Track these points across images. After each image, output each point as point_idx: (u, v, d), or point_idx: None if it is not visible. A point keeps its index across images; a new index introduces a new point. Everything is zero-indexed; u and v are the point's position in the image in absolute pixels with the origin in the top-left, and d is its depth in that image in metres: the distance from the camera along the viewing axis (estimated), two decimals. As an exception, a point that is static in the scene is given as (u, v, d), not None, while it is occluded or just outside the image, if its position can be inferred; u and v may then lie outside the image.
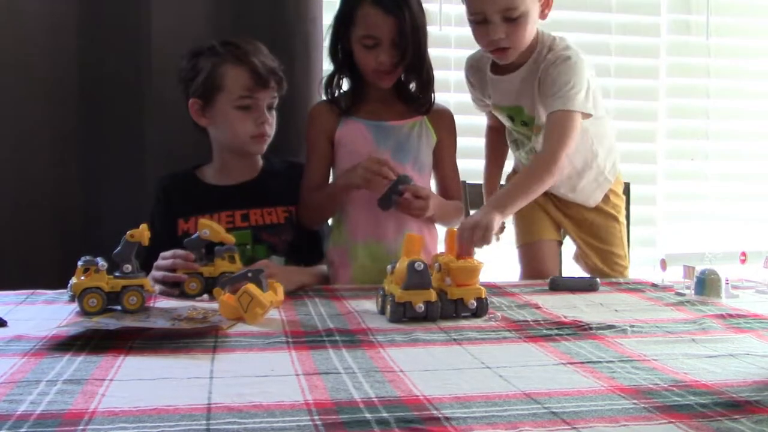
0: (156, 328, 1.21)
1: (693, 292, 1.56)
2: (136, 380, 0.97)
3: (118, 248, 1.39)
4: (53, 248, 1.99)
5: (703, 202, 2.68)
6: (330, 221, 1.89)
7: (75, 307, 1.38)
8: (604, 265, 1.94)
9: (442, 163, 1.86)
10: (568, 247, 2.02)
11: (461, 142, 1.95)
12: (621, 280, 1.83)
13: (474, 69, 1.89)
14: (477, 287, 1.37)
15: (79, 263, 1.37)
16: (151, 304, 1.44)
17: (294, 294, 1.56)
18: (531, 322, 1.31)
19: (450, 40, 2.41)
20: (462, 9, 1.72)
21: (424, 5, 1.78)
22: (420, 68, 1.78)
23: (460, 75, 1.98)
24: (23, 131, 1.99)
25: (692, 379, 0.99)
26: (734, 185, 2.69)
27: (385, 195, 1.67)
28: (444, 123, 1.87)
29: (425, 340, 1.19)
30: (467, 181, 2.09)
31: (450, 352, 1.13)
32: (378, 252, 1.77)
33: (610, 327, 1.27)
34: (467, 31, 1.73)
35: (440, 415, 0.84)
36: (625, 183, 2.05)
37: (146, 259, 1.57)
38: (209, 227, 1.56)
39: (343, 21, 1.75)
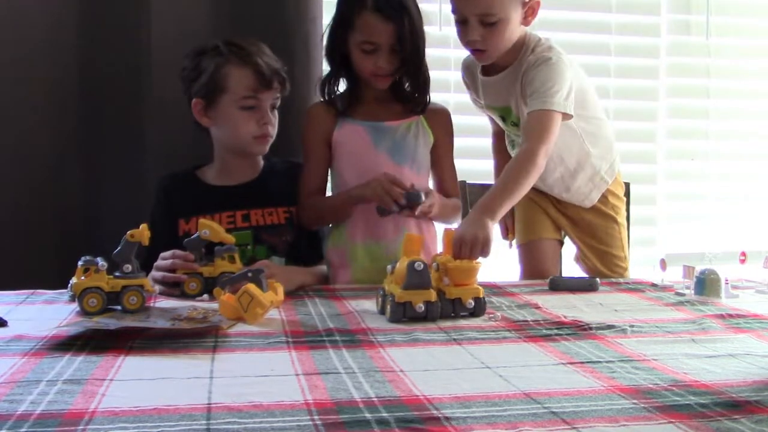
0: (156, 328, 1.21)
1: (693, 292, 1.56)
2: (136, 380, 0.97)
3: (118, 248, 1.39)
4: (53, 248, 1.99)
5: (703, 202, 2.68)
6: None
7: (75, 307, 1.38)
8: (603, 267, 1.94)
9: (440, 162, 1.87)
10: (569, 247, 2.02)
11: (461, 142, 1.95)
12: (621, 280, 1.83)
13: (468, 70, 1.90)
14: (475, 287, 1.38)
15: (79, 263, 1.38)
16: (151, 304, 1.44)
17: (294, 294, 1.56)
18: (531, 322, 1.31)
19: (450, 40, 2.39)
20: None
21: (424, 6, 1.79)
22: (417, 71, 1.79)
23: (460, 75, 1.98)
24: (23, 131, 1.99)
25: (692, 379, 0.99)
26: (734, 185, 2.68)
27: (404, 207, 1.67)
28: (441, 122, 1.87)
29: (425, 340, 1.19)
30: (467, 181, 2.09)
31: (450, 352, 1.13)
32: (377, 252, 1.77)
33: (610, 327, 1.27)
34: (468, 31, 1.74)
35: (440, 415, 0.84)
36: (625, 183, 2.05)
37: (146, 259, 1.57)
38: (209, 227, 1.56)
39: (342, 25, 1.75)
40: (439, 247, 1.82)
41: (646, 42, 2.61)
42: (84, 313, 1.34)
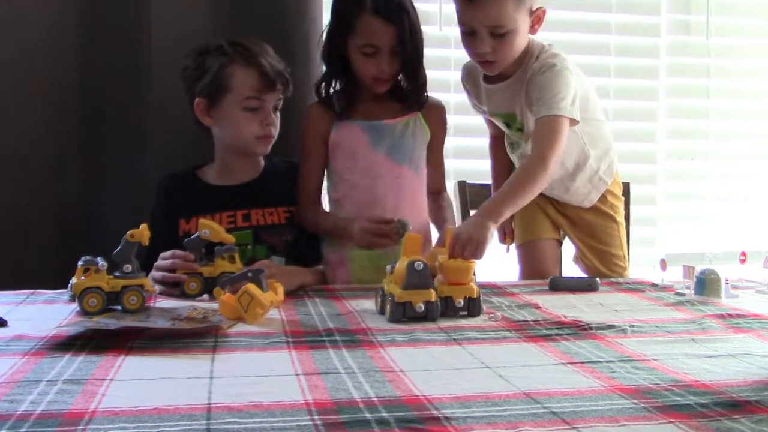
0: (156, 328, 1.21)
1: (693, 292, 1.56)
2: (136, 380, 0.97)
3: (118, 248, 1.39)
4: (53, 248, 1.99)
5: (703, 202, 2.68)
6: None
7: (75, 307, 1.38)
8: (602, 266, 1.94)
9: (431, 156, 1.88)
10: (568, 247, 2.02)
11: (461, 141, 1.95)
12: (621, 280, 1.83)
13: (469, 77, 1.90)
14: (468, 286, 1.38)
15: (79, 263, 1.37)
16: (151, 304, 1.44)
17: (294, 294, 1.56)
18: (531, 322, 1.31)
19: (450, 40, 2.40)
20: (462, 9, 1.72)
21: (425, 6, 1.79)
22: (416, 71, 1.79)
23: (460, 75, 1.98)
24: (23, 131, 1.99)
25: (692, 379, 0.99)
26: (734, 185, 2.68)
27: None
28: (437, 117, 1.87)
29: (425, 340, 1.19)
30: (467, 181, 2.09)
31: (450, 352, 1.13)
32: (375, 251, 1.77)
33: (610, 327, 1.27)
34: (467, 31, 1.74)
35: (440, 415, 0.84)
36: (625, 183, 2.05)
37: (146, 259, 1.57)
38: (209, 227, 1.56)
39: (340, 29, 1.74)
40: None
41: (646, 42, 2.60)
42: (84, 313, 1.34)
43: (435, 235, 1.88)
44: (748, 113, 2.69)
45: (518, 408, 0.87)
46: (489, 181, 2.07)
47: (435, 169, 1.90)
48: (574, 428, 0.81)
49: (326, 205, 1.89)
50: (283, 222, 1.82)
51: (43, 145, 2.00)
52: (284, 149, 1.89)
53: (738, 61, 2.68)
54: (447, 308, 1.36)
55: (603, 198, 1.95)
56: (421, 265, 1.32)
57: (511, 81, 1.78)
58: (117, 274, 1.38)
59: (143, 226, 1.41)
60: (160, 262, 1.58)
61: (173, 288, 1.55)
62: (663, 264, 1.68)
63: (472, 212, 1.90)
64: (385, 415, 0.84)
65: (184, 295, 1.53)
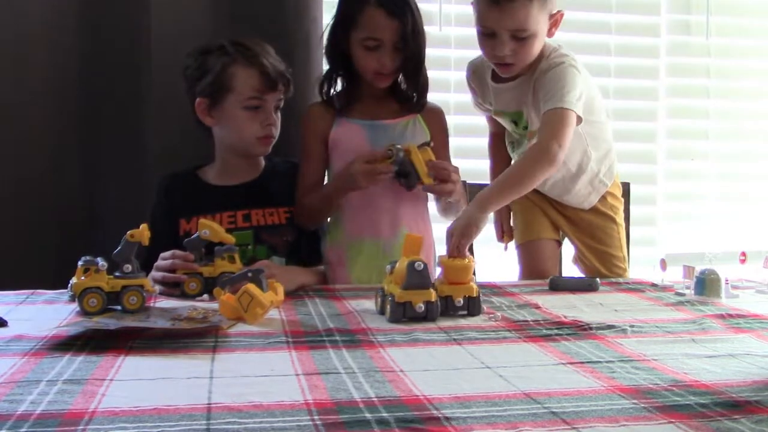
0: (156, 328, 1.21)
1: (693, 292, 1.56)
2: (136, 380, 0.97)
3: (118, 248, 1.39)
4: (53, 248, 1.99)
5: (703, 202, 2.68)
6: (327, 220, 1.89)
7: (75, 307, 1.38)
8: (602, 267, 1.94)
9: (436, 158, 1.87)
10: (568, 247, 2.02)
11: (461, 141, 1.95)
12: (621, 280, 1.83)
13: (475, 75, 1.90)
14: (467, 286, 1.38)
15: (79, 263, 1.37)
16: (151, 304, 1.44)
17: (294, 294, 1.56)
18: (531, 322, 1.31)
19: (450, 40, 2.41)
20: (462, 9, 1.73)
21: (425, 6, 1.79)
22: (418, 71, 1.79)
23: (460, 75, 1.98)
24: (23, 131, 1.99)
25: (692, 379, 0.99)
26: (734, 185, 2.69)
27: (402, 177, 1.69)
28: (436, 120, 1.87)
29: (425, 340, 1.19)
30: (467, 181, 2.09)
31: (450, 352, 1.13)
32: (375, 250, 1.78)
33: (610, 327, 1.27)
34: (467, 31, 1.73)
35: (440, 415, 0.84)
36: (625, 183, 2.05)
37: (146, 259, 1.57)
38: (209, 227, 1.56)
39: (344, 23, 1.75)
40: (439, 246, 1.84)
41: (646, 42, 2.61)
42: (84, 313, 1.34)
43: (436, 236, 1.88)
44: (748, 113, 2.69)
45: (518, 408, 0.87)
46: (489, 180, 2.07)
47: None
48: (574, 428, 0.81)
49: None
50: (284, 222, 1.82)
51: (43, 144, 2.00)
52: (285, 149, 1.89)
53: (738, 61, 2.69)
54: (447, 307, 1.36)
55: (603, 199, 1.95)
56: (421, 265, 1.32)
57: (520, 81, 1.78)
58: (117, 274, 1.38)
59: (143, 226, 1.41)
60: (160, 263, 1.58)
61: (173, 288, 1.55)
62: (663, 264, 1.68)
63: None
64: (385, 415, 0.84)
65: (184, 295, 1.53)
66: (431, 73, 1.86)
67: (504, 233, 2.05)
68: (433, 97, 1.90)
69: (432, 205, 1.88)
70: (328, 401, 0.89)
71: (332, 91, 1.84)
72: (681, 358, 1.09)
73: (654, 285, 1.69)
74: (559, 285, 1.66)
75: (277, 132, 1.81)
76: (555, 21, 1.72)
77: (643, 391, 0.93)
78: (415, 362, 1.06)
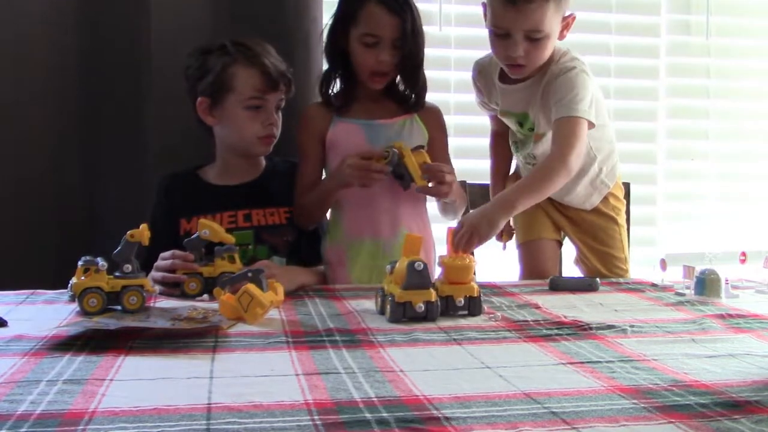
0: (156, 328, 1.21)
1: (693, 292, 1.56)
2: (136, 380, 0.97)
3: (118, 248, 1.39)
4: (53, 248, 1.99)
5: (703, 202, 2.68)
6: (328, 220, 1.89)
7: (75, 307, 1.38)
8: (603, 268, 1.94)
9: (437, 160, 1.87)
10: (569, 248, 2.02)
11: (461, 141, 1.95)
12: (621, 280, 1.83)
13: (482, 74, 1.89)
14: (468, 285, 1.38)
15: (79, 263, 1.37)
16: (151, 304, 1.44)
17: (294, 294, 1.56)
18: (531, 322, 1.31)
19: (450, 40, 2.40)
20: (462, 9, 1.73)
21: (425, 5, 1.79)
22: (416, 71, 1.79)
23: (460, 75, 1.98)
24: (23, 131, 1.99)
25: (692, 379, 0.99)
26: (734, 185, 2.68)
27: (398, 178, 1.70)
28: (434, 120, 1.87)
29: (425, 340, 1.19)
30: (467, 181, 2.09)
31: (450, 352, 1.13)
32: (375, 250, 1.78)
33: (610, 327, 1.27)
34: (467, 31, 1.74)
35: (440, 415, 0.84)
36: (625, 183, 2.05)
37: (146, 259, 1.57)
38: (209, 227, 1.56)
39: (344, 20, 1.76)
40: (438, 245, 1.84)
41: (646, 42, 2.61)
42: (84, 313, 1.34)
43: (436, 236, 1.88)
44: (748, 113, 2.69)
45: (518, 408, 0.87)
46: (489, 179, 2.07)
47: None
48: (574, 428, 0.81)
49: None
50: (284, 222, 1.82)
51: (43, 144, 2.00)
52: (285, 149, 1.89)
53: (738, 61, 2.69)
54: (447, 307, 1.36)
55: (605, 200, 1.95)
56: (421, 265, 1.32)
57: (529, 83, 1.78)
58: (117, 274, 1.38)
59: (143, 226, 1.41)
60: (159, 263, 1.58)
61: (173, 288, 1.55)
62: (663, 264, 1.68)
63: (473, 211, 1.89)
64: (385, 415, 0.84)
65: (184, 295, 1.53)
66: (431, 73, 1.86)
67: (504, 232, 2.05)
68: (433, 97, 1.90)
69: (432, 205, 1.88)
70: (328, 401, 0.89)
71: (332, 90, 1.84)
72: (681, 358, 1.09)
73: (654, 285, 1.69)
74: (559, 285, 1.66)
75: (278, 132, 1.81)
76: (567, 24, 1.73)
77: (643, 391, 0.93)
78: (415, 362, 1.06)
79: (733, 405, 0.88)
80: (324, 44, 1.82)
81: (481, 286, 1.46)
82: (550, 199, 1.94)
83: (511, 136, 1.96)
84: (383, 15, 1.71)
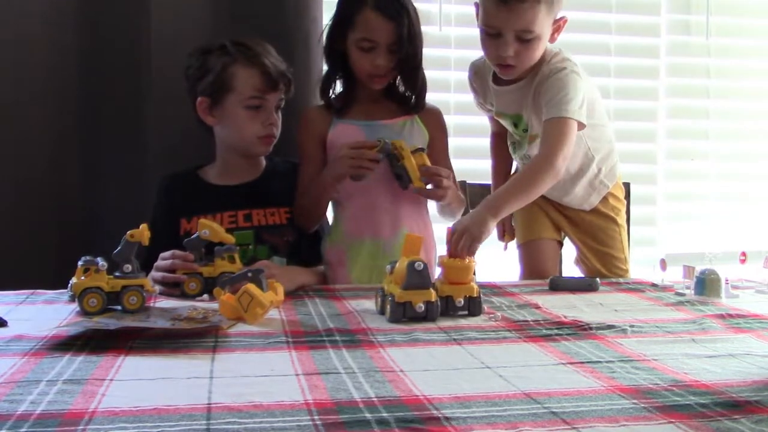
0: (156, 328, 1.21)
1: (693, 292, 1.56)
2: (136, 380, 0.97)
3: (118, 248, 1.39)
4: (53, 248, 1.99)
5: (703, 202, 2.68)
6: (329, 221, 1.90)
7: (75, 307, 1.38)
8: (603, 268, 1.94)
9: (438, 160, 1.87)
10: (569, 248, 2.02)
11: (461, 141, 1.95)
12: (621, 280, 1.83)
13: (477, 75, 1.90)
14: (468, 286, 1.38)
15: (79, 263, 1.37)
16: (151, 304, 1.44)
17: (294, 294, 1.56)
18: (531, 322, 1.31)
19: (450, 40, 2.41)
20: (462, 9, 1.73)
21: (425, 6, 1.79)
22: (414, 73, 1.79)
23: (460, 75, 1.98)
24: (23, 131, 1.99)
25: (692, 379, 0.99)
26: (734, 185, 2.68)
27: (397, 178, 1.71)
28: (434, 121, 1.88)
29: (425, 340, 1.19)
30: (467, 181, 2.09)
31: (450, 352, 1.13)
32: (375, 250, 1.78)
33: (610, 327, 1.27)
34: (467, 31, 1.74)
35: (440, 415, 0.84)
36: (625, 183, 2.05)
37: (146, 259, 1.57)
38: (209, 227, 1.56)
39: (341, 23, 1.76)
40: (439, 246, 1.84)
41: (646, 42, 2.61)
42: (84, 313, 1.34)
43: (436, 236, 1.88)
44: (748, 113, 2.69)
45: (518, 408, 0.87)
46: (489, 180, 2.07)
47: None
48: (574, 428, 0.81)
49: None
50: (285, 222, 1.82)
51: (43, 144, 2.00)
52: (285, 149, 1.89)
53: (738, 61, 2.69)
54: (447, 307, 1.36)
55: (604, 200, 1.95)
56: (421, 265, 1.32)
57: (521, 84, 1.78)
58: (117, 274, 1.38)
59: (143, 226, 1.41)
60: (159, 263, 1.58)
61: (173, 288, 1.55)
62: (663, 264, 1.68)
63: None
64: (385, 415, 0.84)
65: (184, 295, 1.53)
66: (431, 73, 1.86)
67: (505, 232, 2.05)
68: (433, 97, 1.90)
69: (432, 206, 1.88)
70: (328, 401, 0.89)
71: (332, 92, 1.84)
72: (681, 358, 1.09)
73: (654, 285, 1.69)
74: (559, 285, 1.66)
75: (278, 131, 1.81)
76: (558, 27, 1.73)
77: (643, 391, 0.93)
78: (415, 362, 1.06)
79: (733, 405, 0.88)
80: (323, 46, 1.83)
81: (481, 286, 1.46)
82: (549, 200, 1.95)
83: (509, 136, 1.96)
84: (379, 20, 1.71)
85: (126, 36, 2.02)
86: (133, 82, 2.02)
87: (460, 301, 1.36)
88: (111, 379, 0.97)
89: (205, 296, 1.51)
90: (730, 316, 1.36)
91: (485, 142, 2.09)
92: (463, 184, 2.09)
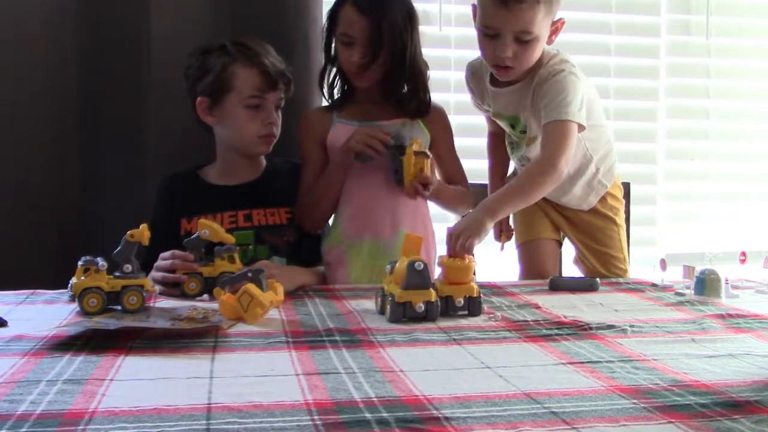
0: (156, 328, 1.21)
1: (693, 292, 1.56)
2: (136, 380, 0.97)
3: (118, 248, 1.39)
4: (53, 248, 1.99)
5: (703, 202, 2.68)
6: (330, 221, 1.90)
7: (75, 307, 1.38)
8: (602, 268, 1.94)
9: (444, 159, 1.87)
10: (569, 248, 2.02)
11: (461, 142, 1.95)
12: (621, 280, 1.83)
13: (474, 76, 1.90)
14: (468, 286, 1.38)
15: (79, 263, 1.37)
16: (151, 304, 1.44)
17: (294, 294, 1.56)
18: (531, 322, 1.31)
19: (450, 40, 2.41)
20: (462, 9, 1.73)
21: (425, 6, 1.79)
22: (402, 71, 1.78)
23: (460, 75, 1.97)
24: (23, 131, 1.99)
25: (692, 379, 0.99)
26: (734, 185, 2.68)
27: (394, 170, 1.73)
28: (437, 120, 1.88)
29: (425, 340, 1.19)
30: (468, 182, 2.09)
31: (450, 352, 1.13)
32: (375, 250, 1.78)
33: (610, 327, 1.27)
34: (467, 31, 1.73)
35: (440, 415, 0.84)
36: (625, 183, 2.05)
37: (146, 259, 1.57)
38: (209, 227, 1.56)
39: (330, 19, 1.80)
40: (439, 246, 1.84)
41: (646, 42, 2.60)
42: (84, 313, 1.34)
43: (436, 237, 1.88)
44: (748, 113, 2.69)
45: (518, 408, 0.87)
46: (488, 179, 2.07)
47: (452, 170, 1.89)
48: (574, 428, 0.81)
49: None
50: (285, 222, 1.82)
51: (43, 144, 2.00)
52: (285, 149, 1.89)
53: (738, 61, 2.69)
54: (447, 307, 1.36)
55: (603, 200, 1.95)
56: (421, 265, 1.32)
57: (519, 86, 1.78)
58: (117, 274, 1.38)
59: (143, 226, 1.41)
60: (159, 263, 1.58)
61: (173, 288, 1.55)
62: (663, 264, 1.68)
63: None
64: (385, 415, 0.84)
65: (184, 295, 1.53)
66: (431, 73, 1.85)
67: (502, 232, 2.05)
68: (433, 97, 1.89)
69: (432, 206, 1.88)
70: (328, 401, 0.89)
71: (326, 83, 1.85)
72: (681, 358, 1.09)
73: (654, 285, 1.69)
74: (559, 285, 1.66)
75: (278, 131, 1.81)
76: (556, 28, 1.72)
77: (643, 391, 0.93)
78: (415, 362, 1.06)
79: (733, 405, 0.88)
80: (323, 42, 1.84)
81: (481, 286, 1.46)
82: (548, 200, 1.95)
83: (507, 137, 1.96)
84: (354, 15, 1.73)
85: (126, 36, 2.02)
86: (133, 82, 2.03)
87: (460, 301, 1.36)
88: (111, 379, 0.97)
89: (205, 296, 1.51)
90: (730, 316, 1.36)
91: (485, 142, 2.09)
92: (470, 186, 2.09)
